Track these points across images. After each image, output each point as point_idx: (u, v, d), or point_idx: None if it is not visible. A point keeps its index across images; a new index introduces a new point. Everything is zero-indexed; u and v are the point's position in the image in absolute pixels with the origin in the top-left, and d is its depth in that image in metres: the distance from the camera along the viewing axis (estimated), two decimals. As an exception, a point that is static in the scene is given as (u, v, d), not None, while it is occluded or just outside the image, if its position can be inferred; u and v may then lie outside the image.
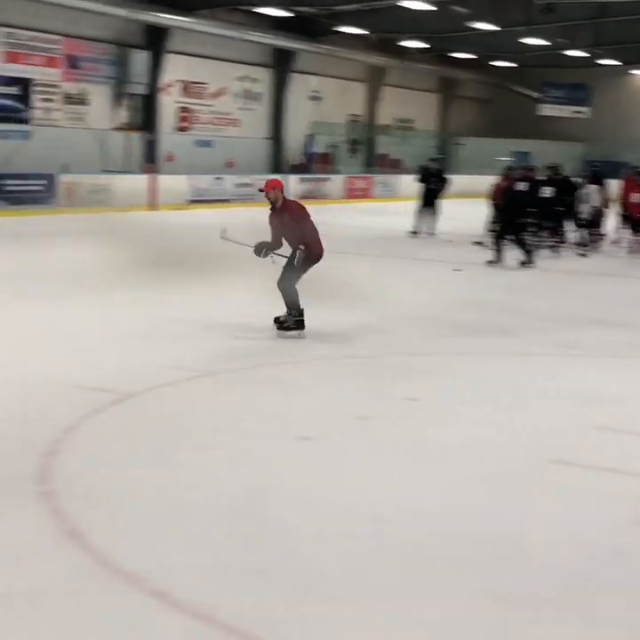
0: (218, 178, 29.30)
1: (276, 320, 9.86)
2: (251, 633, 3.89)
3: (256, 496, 5.35)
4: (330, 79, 36.64)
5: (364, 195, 34.69)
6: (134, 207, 25.64)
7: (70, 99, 27.65)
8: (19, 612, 3.94)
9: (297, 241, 9.79)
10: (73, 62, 27.51)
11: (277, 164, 34.46)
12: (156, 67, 29.27)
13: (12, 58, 25.82)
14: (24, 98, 26.34)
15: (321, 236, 10.02)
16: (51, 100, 27.08)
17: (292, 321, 9.73)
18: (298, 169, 34.43)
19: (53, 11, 25.57)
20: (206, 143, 31.91)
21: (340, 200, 33.01)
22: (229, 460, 5.96)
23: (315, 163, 35.45)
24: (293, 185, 31.83)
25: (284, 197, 10.06)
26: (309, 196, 32.22)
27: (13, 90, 26.00)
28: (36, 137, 26.29)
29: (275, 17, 30.49)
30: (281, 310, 9.76)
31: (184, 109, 31.49)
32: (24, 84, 26.23)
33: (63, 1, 24.84)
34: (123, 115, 29.31)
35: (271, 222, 10.07)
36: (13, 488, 5.27)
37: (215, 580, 4.31)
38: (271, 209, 10.04)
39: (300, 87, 35.18)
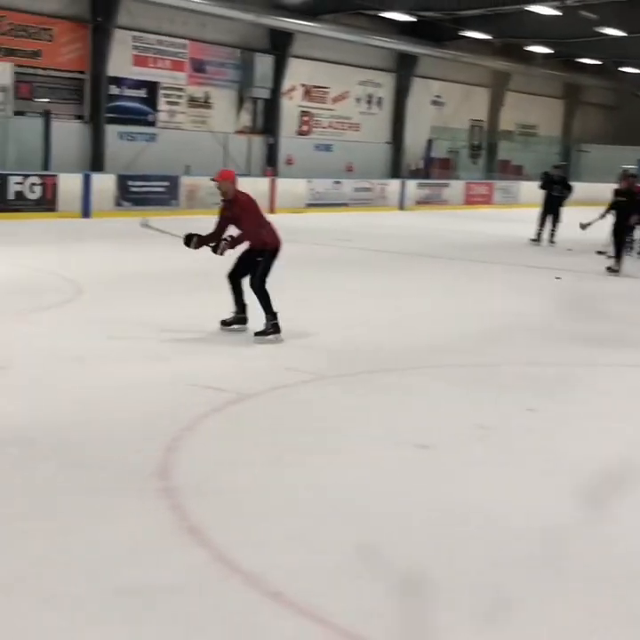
0: (337, 182, 29.41)
1: (223, 322, 9.76)
2: (364, 637, 3.87)
3: (373, 501, 5.33)
4: (452, 84, 36.44)
5: (484, 201, 34.37)
6: (254, 210, 25.90)
7: (194, 102, 28.14)
8: (140, 605, 4.00)
9: (247, 235, 9.64)
10: (198, 66, 27.99)
11: (397, 168, 34.42)
12: (279, 71, 29.57)
13: (141, 61, 26.42)
14: (151, 101, 26.93)
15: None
16: (176, 103, 27.61)
17: (269, 325, 9.48)
18: (417, 174, 34.32)
19: (181, 15, 26.08)
20: (326, 147, 32.08)
21: (459, 206, 32.79)
22: (347, 464, 5.95)
23: (434, 168, 35.29)
24: (412, 190, 31.76)
25: (236, 190, 9.79)
26: (428, 201, 32.13)
27: (141, 93, 26.62)
28: (160, 139, 26.84)
29: (398, 21, 30.45)
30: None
31: (305, 113, 31.71)
32: (151, 87, 26.82)
33: (190, 6, 25.31)
34: (245, 118, 29.68)
35: (222, 214, 9.87)
36: (136, 483, 5.36)
37: (330, 582, 4.30)
38: (223, 200, 9.87)
39: (421, 92, 35.07)
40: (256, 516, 4.99)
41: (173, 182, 24.69)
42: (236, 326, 9.78)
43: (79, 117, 25.29)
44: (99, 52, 25.04)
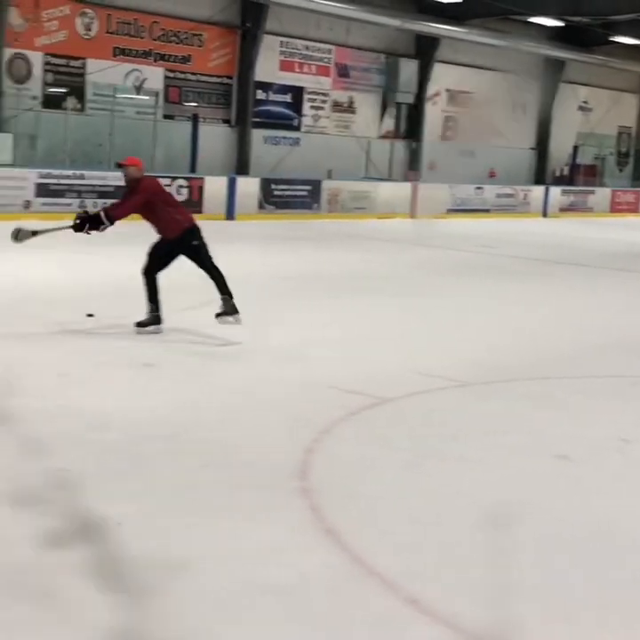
0: (479, 187, 29.17)
1: (139, 324, 9.20)
2: (501, 649, 3.85)
3: (509, 510, 5.27)
4: (600, 90, 35.68)
5: (630, 209, 33.54)
6: (394, 214, 25.95)
7: (338, 106, 28.35)
8: (278, 604, 4.05)
9: (163, 223, 9.22)
10: (343, 71, 28.19)
11: (541, 174, 33.92)
12: (423, 76, 29.54)
13: (287, 66, 26.77)
14: (296, 105, 27.26)
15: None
16: (320, 108, 27.87)
17: (228, 306, 9.19)
18: (562, 180, 33.73)
19: (327, 21, 26.32)
20: (469, 153, 31.85)
21: (604, 214, 32.09)
22: (482, 472, 5.90)
23: (579, 175, 34.62)
24: (556, 197, 31.24)
25: (142, 176, 9.32)
26: (572, 208, 31.54)
27: (286, 97, 26.98)
28: (304, 143, 27.14)
29: (546, 26, 30.00)
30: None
31: (449, 118, 31.57)
32: (296, 91, 27.15)
33: (337, 11, 25.49)
34: (388, 123, 29.73)
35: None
36: (275, 482, 5.43)
37: (467, 591, 4.27)
38: (126, 187, 9.39)
39: (568, 97, 34.47)
40: (394, 521, 5.00)
41: (316, 186, 24.93)
42: (151, 328, 9.25)
43: (226, 121, 25.81)
44: (246, 58, 25.52)
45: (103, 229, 9.11)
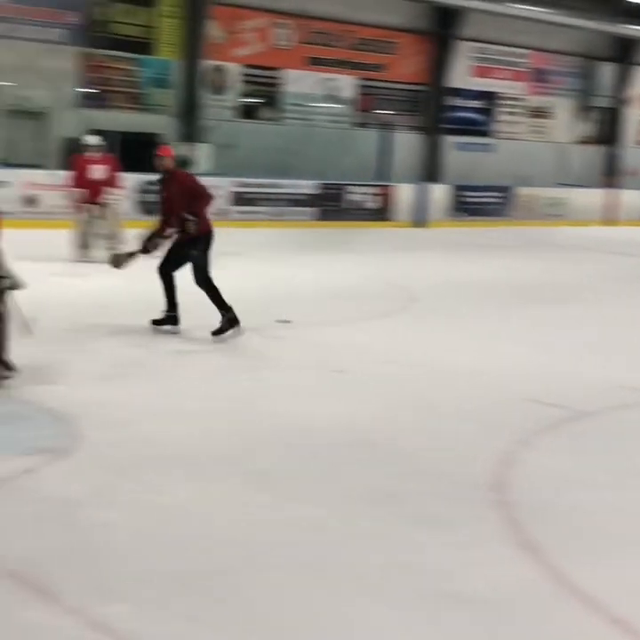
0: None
1: (154, 322, 8.91)
2: None
3: None
4: None
5: None
6: (590, 222, 25.25)
7: (533, 112, 27.88)
8: (467, 615, 3.92)
9: (180, 220, 8.82)
10: (539, 76, 27.69)
11: None
12: (623, 79, 28.68)
13: (480, 72, 26.51)
14: (489, 111, 26.95)
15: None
16: (514, 113, 27.46)
17: (225, 321, 8.71)
18: None
19: (524, 25, 25.86)
20: (671, 158, 30.70)
21: None
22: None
23: None
24: None
25: (178, 170, 9.19)
26: None
27: (479, 103, 26.71)
28: (497, 149, 26.80)
29: None
30: None
31: (650, 123, 30.56)
32: (489, 97, 26.84)
33: (534, 15, 25.05)
34: (585, 128, 29.00)
35: (162, 196, 9.09)
36: (470, 493, 5.30)
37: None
38: (160, 181, 9.09)
39: None
40: (598, 539, 4.77)
41: (508, 193, 24.55)
42: (167, 327, 8.98)
43: (417, 128, 25.74)
44: (439, 64, 25.40)
45: (189, 228, 8.91)
